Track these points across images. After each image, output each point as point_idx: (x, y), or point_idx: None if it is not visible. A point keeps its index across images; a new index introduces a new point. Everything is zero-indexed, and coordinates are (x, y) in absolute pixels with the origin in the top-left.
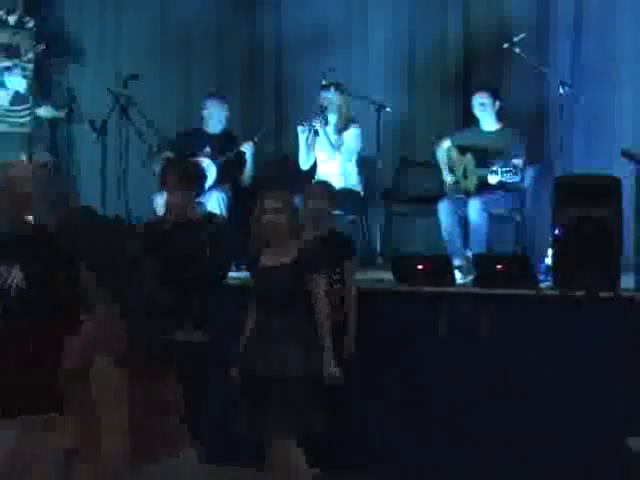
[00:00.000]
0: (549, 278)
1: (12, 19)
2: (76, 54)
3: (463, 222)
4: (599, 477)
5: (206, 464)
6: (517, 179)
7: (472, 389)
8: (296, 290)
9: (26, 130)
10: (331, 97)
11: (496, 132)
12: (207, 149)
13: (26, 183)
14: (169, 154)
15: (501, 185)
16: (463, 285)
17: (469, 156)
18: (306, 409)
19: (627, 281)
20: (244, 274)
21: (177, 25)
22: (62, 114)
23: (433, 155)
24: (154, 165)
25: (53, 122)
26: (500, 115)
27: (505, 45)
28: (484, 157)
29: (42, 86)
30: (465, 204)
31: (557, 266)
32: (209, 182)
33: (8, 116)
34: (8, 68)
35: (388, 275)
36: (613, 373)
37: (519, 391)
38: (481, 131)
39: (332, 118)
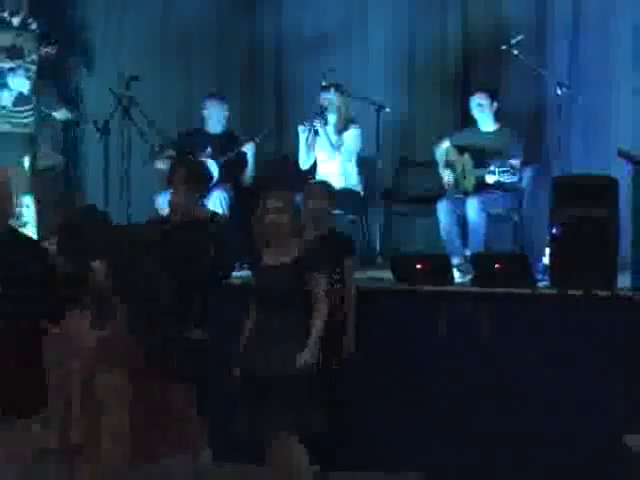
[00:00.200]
0: (546, 277)
1: (16, 21)
2: (86, 56)
3: (462, 222)
4: (597, 475)
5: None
6: (515, 179)
7: (471, 388)
8: (296, 290)
9: (29, 131)
10: (331, 98)
11: (494, 132)
12: (209, 149)
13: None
14: (171, 153)
15: (499, 185)
16: (462, 284)
17: (467, 156)
18: (306, 408)
19: (624, 280)
20: (245, 273)
21: (178, 26)
22: (74, 116)
23: (433, 155)
24: (156, 165)
25: (66, 124)
26: (498, 115)
27: (503, 47)
28: (482, 157)
29: (58, 89)
30: (463, 204)
31: (554, 265)
32: (211, 181)
33: (12, 117)
34: (12, 69)
35: (388, 274)
36: (611, 371)
37: (518, 390)
38: (479, 131)
39: (332, 118)
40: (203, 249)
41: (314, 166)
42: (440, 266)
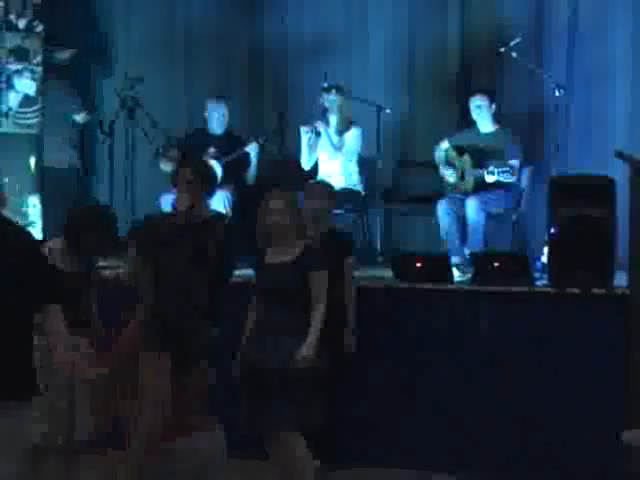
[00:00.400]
0: (545, 276)
1: (22, 23)
2: (102, 59)
3: (461, 221)
4: (597, 471)
5: None
6: (513, 179)
7: (470, 385)
8: (297, 288)
9: (34, 132)
10: (332, 99)
11: (493, 133)
12: (211, 149)
13: None
14: (174, 154)
15: (498, 185)
16: (461, 283)
17: (466, 157)
18: (307, 404)
19: (620, 279)
20: (247, 272)
21: (181, 28)
22: (90, 118)
23: (432, 156)
24: (162, 165)
25: (85, 126)
26: (497, 116)
27: (502, 49)
28: (481, 158)
29: (80, 92)
30: (463, 204)
31: (553, 264)
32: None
33: (18, 118)
34: (18, 71)
35: (388, 273)
36: (607, 368)
37: (517, 386)
38: (478, 132)
39: (333, 120)
40: (215, 248)
41: (316, 166)
42: (440, 265)
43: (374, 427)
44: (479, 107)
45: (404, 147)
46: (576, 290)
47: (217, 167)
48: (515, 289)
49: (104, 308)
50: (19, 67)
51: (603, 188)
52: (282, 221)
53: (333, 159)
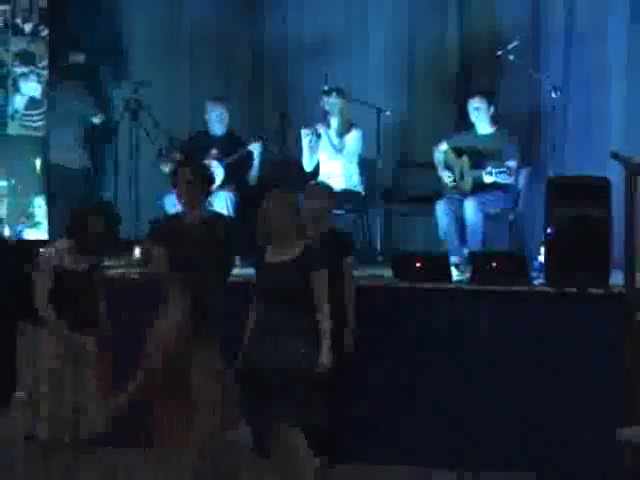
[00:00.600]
0: (542, 275)
1: (28, 27)
2: (111, 60)
3: (460, 222)
4: (595, 468)
5: None
6: (511, 180)
7: (469, 383)
8: (297, 288)
9: (40, 134)
10: (333, 102)
11: (491, 135)
12: (213, 151)
13: None
14: (177, 156)
15: (496, 186)
16: (460, 282)
17: (465, 158)
18: (307, 403)
19: (617, 278)
20: (248, 271)
21: (184, 31)
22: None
23: (432, 157)
24: (162, 166)
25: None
26: (495, 118)
27: (500, 51)
28: (479, 159)
29: (97, 96)
30: (461, 204)
31: (550, 264)
32: (217, 183)
33: (24, 120)
34: (24, 74)
35: (388, 273)
36: (605, 366)
37: (516, 385)
38: (476, 134)
39: (334, 122)
40: (210, 248)
41: (317, 167)
42: (440, 265)
43: (374, 427)
44: (477, 109)
45: (404, 148)
46: (574, 289)
47: (219, 168)
48: (513, 288)
49: (109, 308)
50: (25, 70)
51: (599, 189)
52: (282, 221)
53: (334, 160)
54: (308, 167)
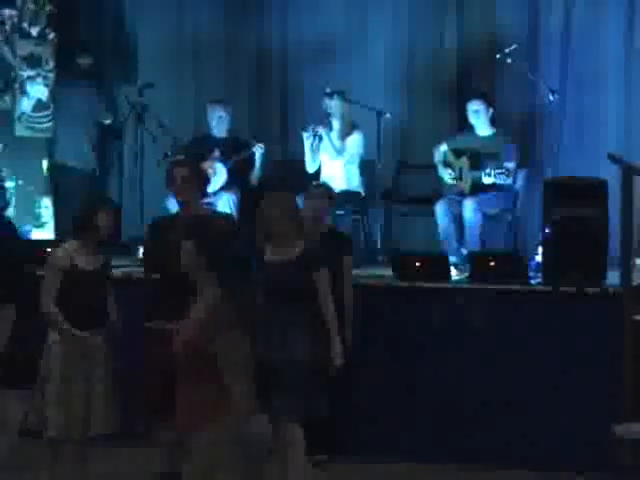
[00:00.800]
0: (539, 275)
1: (35, 31)
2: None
3: (459, 222)
4: (594, 466)
5: None
6: (509, 181)
7: (468, 381)
8: (297, 287)
9: (47, 135)
10: (335, 104)
11: (489, 136)
12: (216, 152)
13: None
14: (181, 158)
15: (494, 186)
16: (459, 281)
17: (464, 159)
18: (307, 396)
19: (613, 278)
20: None
21: (189, 36)
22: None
23: (431, 158)
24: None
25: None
26: (493, 120)
27: (498, 55)
28: (478, 160)
29: (106, 98)
30: (460, 204)
31: (547, 263)
32: (220, 184)
33: (31, 122)
34: (30, 77)
35: (388, 272)
36: (601, 364)
37: (515, 383)
38: (476, 135)
39: (336, 124)
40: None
41: (319, 168)
42: (439, 265)
43: (374, 425)
44: (476, 112)
45: (404, 149)
46: (570, 288)
47: (222, 169)
48: (513, 288)
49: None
50: (32, 73)
51: (595, 189)
52: (281, 221)
53: (335, 161)
54: (310, 169)
